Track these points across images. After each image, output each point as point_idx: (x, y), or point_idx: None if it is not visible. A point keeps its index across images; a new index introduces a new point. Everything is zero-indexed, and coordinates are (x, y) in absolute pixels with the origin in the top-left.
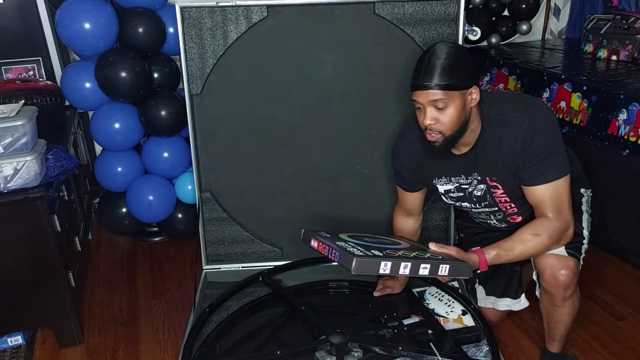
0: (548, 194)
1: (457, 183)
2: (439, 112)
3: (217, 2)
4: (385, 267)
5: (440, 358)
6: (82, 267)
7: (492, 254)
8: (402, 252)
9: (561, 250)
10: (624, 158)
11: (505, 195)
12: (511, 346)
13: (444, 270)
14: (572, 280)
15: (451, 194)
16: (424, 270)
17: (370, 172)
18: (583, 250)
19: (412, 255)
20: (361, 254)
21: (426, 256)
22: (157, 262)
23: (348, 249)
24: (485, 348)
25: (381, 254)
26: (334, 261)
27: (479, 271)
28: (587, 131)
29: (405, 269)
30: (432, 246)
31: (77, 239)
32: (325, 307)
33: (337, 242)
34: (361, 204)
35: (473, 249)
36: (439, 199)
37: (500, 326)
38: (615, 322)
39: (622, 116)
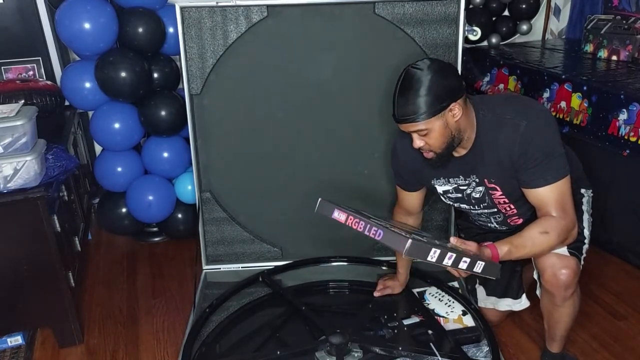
0: (550, 195)
1: (455, 184)
2: (424, 137)
3: (217, 2)
4: (433, 255)
5: (440, 358)
6: (82, 267)
7: (504, 250)
8: (438, 242)
9: (563, 250)
10: (624, 158)
11: (504, 196)
12: (511, 346)
13: (479, 267)
14: (572, 280)
15: (449, 195)
16: (464, 264)
17: (370, 172)
18: (584, 250)
19: (448, 246)
20: (410, 237)
21: (461, 249)
22: (157, 262)
23: (391, 229)
24: (486, 348)
25: (425, 240)
26: (373, 238)
27: None
28: (588, 131)
29: (449, 259)
30: (453, 240)
31: (77, 239)
32: (325, 307)
33: (373, 219)
34: (361, 204)
35: (486, 243)
36: (439, 199)
37: (500, 326)
38: (615, 322)
39: (623, 116)
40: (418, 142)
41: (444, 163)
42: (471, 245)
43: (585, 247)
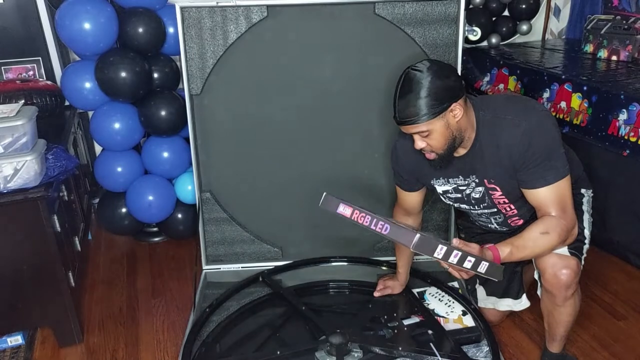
0: (550, 195)
1: (455, 184)
2: (426, 138)
3: (217, 2)
4: (440, 251)
5: (440, 358)
6: (82, 267)
7: (506, 252)
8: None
9: (564, 250)
10: (624, 158)
11: (503, 196)
12: (511, 346)
13: (483, 267)
14: (573, 280)
15: (449, 195)
16: (469, 263)
17: (370, 172)
18: (584, 250)
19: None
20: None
21: (464, 251)
22: (157, 262)
23: (398, 224)
24: (486, 348)
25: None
26: (379, 233)
27: None
28: (588, 131)
29: (455, 257)
30: (455, 242)
31: (77, 239)
32: (325, 307)
33: (378, 215)
34: (361, 204)
35: (487, 245)
36: (439, 199)
37: (500, 326)
38: (615, 322)
39: (623, 116)
40: (420, 144)
41: (446, 163)
42: (473, 248)
43: (586, 247)
